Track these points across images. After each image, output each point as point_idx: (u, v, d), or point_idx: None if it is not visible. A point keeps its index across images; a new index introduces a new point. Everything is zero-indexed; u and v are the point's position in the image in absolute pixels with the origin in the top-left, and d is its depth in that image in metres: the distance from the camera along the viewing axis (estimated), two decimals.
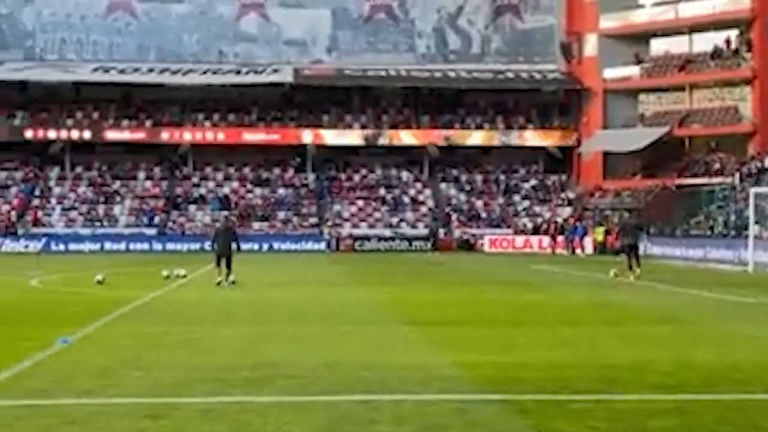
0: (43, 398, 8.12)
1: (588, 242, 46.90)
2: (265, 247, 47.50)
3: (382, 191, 55.91)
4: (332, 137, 55.91)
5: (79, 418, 7.34)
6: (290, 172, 57.13)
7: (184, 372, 9.51)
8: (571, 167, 56.59)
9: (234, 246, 22.42)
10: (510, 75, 57.23)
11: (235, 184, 55.91)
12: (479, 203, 55.20)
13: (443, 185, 56.81)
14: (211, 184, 55.79)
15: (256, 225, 51.82)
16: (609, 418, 7.56)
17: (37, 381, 8.96)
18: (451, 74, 57.42)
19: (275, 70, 55.86)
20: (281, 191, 55.54)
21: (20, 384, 8.83)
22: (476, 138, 56.74)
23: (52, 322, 14.02)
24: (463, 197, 55.83)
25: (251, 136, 55.64)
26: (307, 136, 55.50)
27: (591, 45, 54.79)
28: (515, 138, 56.29)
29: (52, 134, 54.45)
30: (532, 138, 56.52)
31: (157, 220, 51.95)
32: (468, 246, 49.56)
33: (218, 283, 21.65)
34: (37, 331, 12.73)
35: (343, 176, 57.17)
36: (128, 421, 7.29)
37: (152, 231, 50.82)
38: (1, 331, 13.08)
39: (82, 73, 55.15)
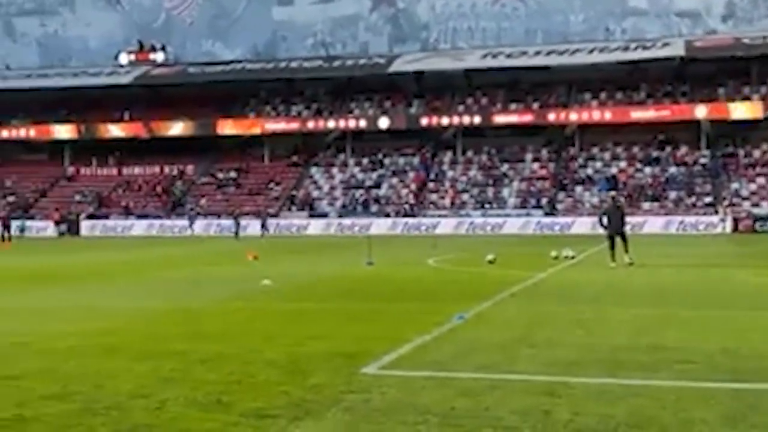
0: (443, 370, 8.50)
1: None
2: (656, 227, 46.08)
3: None
4: (729, 111, 52.68)
5: (476, 391, 7.60)
6: (682, 149, 54.81)
7: (576, 351, 9.48)
8: None
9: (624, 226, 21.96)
10: None
11: (623, 164, 54.81)
12: None
13: None
14: (598, 164, 55.24)
15: (646, 205, 50.48)
16: None
17: (437, 354, 9.43)
18: None
19: (665, 44, 53.91)
20: (672, 170, 53.49)
21: (423, 356, 9.35)
22: None
23: (448, 299, 14.72)
24: None
25: (640, 114, 54.17)
26: (700, 111, 52.82)
27: None
28: None
29: (444, 121, 57.23)
30: None
31: (544, 201, 52.56)
32: None
33: (612, 267, 21.23)
34: (436, 307, 13.45)
35: (741, 152, 53.71)
36: (524, 396, 7.41)
37: (539, 212, 51.53)
38: (407, 306, 14.08)
39: (472, 61, 57.25)
